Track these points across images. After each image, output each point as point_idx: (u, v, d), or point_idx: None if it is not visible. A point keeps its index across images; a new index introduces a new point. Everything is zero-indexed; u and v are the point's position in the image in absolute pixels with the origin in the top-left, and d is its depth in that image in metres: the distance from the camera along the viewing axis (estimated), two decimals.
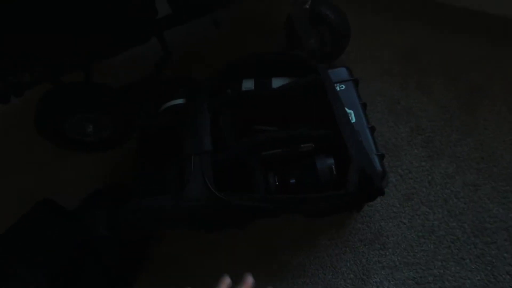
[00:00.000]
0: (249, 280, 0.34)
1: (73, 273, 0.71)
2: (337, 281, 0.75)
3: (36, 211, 0.82)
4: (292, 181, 0.58)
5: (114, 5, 0.66)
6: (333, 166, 0.57)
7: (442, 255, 0.74)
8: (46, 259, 0.70)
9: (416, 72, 1.01)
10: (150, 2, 0.73)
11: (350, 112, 0.73)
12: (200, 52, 1.12)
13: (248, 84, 0.70)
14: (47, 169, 1.04)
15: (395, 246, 0.77)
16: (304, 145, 0.60)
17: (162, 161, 0.65)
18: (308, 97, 0.66)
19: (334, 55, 0.99)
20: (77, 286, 0.71)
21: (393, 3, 1.14)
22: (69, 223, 0.81)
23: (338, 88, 0.78)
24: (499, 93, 0.93)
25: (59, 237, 0.77)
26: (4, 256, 0.71)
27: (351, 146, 0.56)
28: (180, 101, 0.69)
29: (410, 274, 0.73)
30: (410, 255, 0.75)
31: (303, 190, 0.56)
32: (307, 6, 0.83)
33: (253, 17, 1.20)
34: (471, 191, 0.80)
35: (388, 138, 0.92)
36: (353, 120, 0.71)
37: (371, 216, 0.81)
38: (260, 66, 0.74)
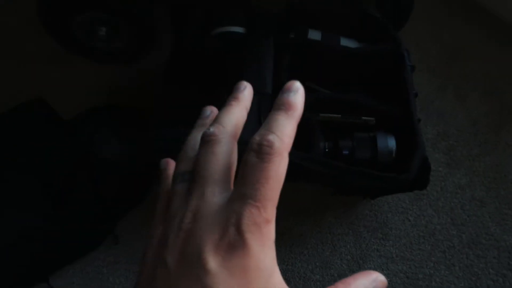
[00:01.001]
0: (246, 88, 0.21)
1: (66, 188, 0.63)
2: (333, 259, 0.76)
3: (27, 110, 0.70)
4: (345, 152, 0.53)
5: None
6: (394, 149, 0.53)
7: (436, 258, 0.77)
8: (38, 166, 0.61)
9: (458, 76, 0.98)
10: None
11: None
12: None
13: (314, 35, 0.62)
14: (47, 68, 0.89)
15: (396, 239, 0.78)
16: (366, 118, 0.55)
17: (201, 90, 0.56)
18: (380, 67, 0.60)
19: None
20: (67, 204, 0.64)
21: None
22: (65, 134, 0.71)
23: None
24: None
25: (53, 146, 0.67)
26: None
27: (419, 133, 0.52)
28: (239, 29, 0.59)
29: (403, 267, 0.76)
30: (408, 250, 0.77)
31: (353, 164, 0.52)
32: None
33: None
34: (477, 206, 0.83)
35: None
36: None
37: (380, 206, 0.81)
38: (329, 18, 0.65)
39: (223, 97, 0.45)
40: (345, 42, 0.63)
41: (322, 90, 0.62)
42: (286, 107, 0.17)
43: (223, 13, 0.61)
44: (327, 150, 0.54)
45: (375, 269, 0.75)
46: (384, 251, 0.77)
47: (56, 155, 0.66)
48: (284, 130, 0.16)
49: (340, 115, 0.55)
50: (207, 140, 0.17)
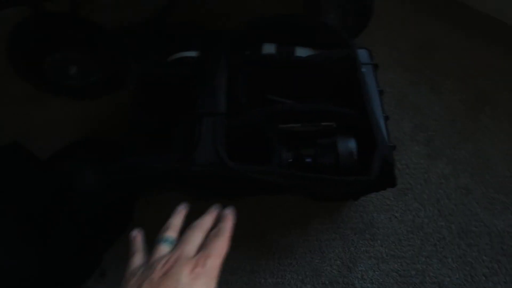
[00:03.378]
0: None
1: (44, 225, 0.64)
2: (323, 266, 0.75)
3: (3, 154, 0.72)
4: (308, 160, 0.54)
5: None
6: (355, 150, 0.53)
7: (427, 252, 0.76)
8: (18, 207, 0.62)
9: (429, 69, 0.99)
10: None
11: None
12: (211, 9, 1.02)
13: (269, 49, 0.63)
14: (20, 111, 0.92)
15: (384, 238, 0.77)
16: (325, 123, 0.56)
17: (163, 116, 0.58)
18: (334, 72, 0.61)
19: (354, 31, 0.93)
20: (48, 240, 0.65)
21: None
22: (42, 172, 0.72)
23: None
24: (503, 103, 0.94)
25: (30, 185, 0.68)
26: None
27: (377, 132, 0.53)
28: (192, 53, 0.61)
29: (395, 266, 0.75)
30: (398, 248, 0.76)
31: (318, 171, 0.53)
32: None
33: None
34: (463, 194, 0.82)
35: (391, 131, 0.89)
36: None
37: (365, 206, 0.81)
38: (283, 31, 0.67)
39: (182, 122, 0.47)
40: (300, 52, 0.65)
41: (283, 101, 0.63)
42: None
43: (176, 39, 0.63)
44: (290, 160, 0.54)
45: (366, 271, 0.74)
46: (374, 251, 0.76)
47: (34, 195, 0.67)
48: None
49: (299, 124, 0.56)
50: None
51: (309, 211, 0.80)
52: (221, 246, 0.29)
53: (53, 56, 0.78)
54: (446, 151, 0.88)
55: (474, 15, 1.07)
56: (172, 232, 0.30)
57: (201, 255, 0.27)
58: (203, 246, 0.29)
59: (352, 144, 0.53)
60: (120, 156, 0.56)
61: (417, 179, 0.84)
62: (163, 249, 0.29)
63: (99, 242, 0.72)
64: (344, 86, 0.61)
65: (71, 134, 0.85)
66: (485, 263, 0.75)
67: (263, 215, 0.79)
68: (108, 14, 0.88)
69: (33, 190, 0.68)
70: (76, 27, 0.76)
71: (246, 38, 0.64)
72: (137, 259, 0.29)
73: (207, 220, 0.31)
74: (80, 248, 0.70)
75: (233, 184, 0.54)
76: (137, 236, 0.32)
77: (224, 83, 0.55)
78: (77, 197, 0.67)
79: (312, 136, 0.57)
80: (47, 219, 0.66)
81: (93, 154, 0.77)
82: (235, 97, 0.56)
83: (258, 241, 0.77)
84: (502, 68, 0.98)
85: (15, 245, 0.61)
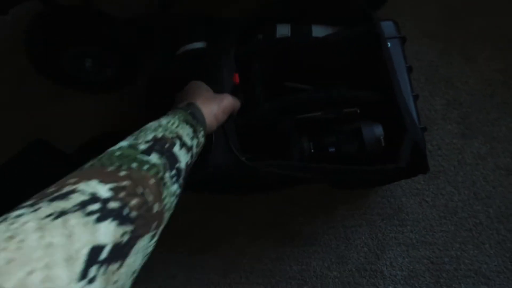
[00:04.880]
0: None
1: None
2: (349, 253, 0.73)
3: (28, 152, 0.74)
4: (331, 149, 0.50)
5: None
6: (382, 137, 0.49)
7: (462, 238, 0.71)
8: None
9: (462, 37, 0.90)
10: None
11: None
12: None
13: (283, 30, 0.58)
14: (41, 109, 0.94)
15: (414, 224, 0.73)
16: (348, 109, 0.51)
17: None
18: (355, 51, 0.55)
19: (377, 2, 0.85)
20: None
21: None
22: (67, 167, 0.73)
23: None
24: None
25: (57, 180, 0.70)
26: None
27: (406, 115, 0.48)
28: (199, 44, 0.57)
29: (426, 253, 0.71)
30: (429, 234, 0.72)
31: (342, 160, 0.49)
32: None
33: None
34: (502, 176, 0.75)
35: (421, 110, 0.84)
36: None
37: (393, 191, 0.77)
38: (298, 9, 0.61)
39: None
40: (317, 31, 0.59)
41: (304, 87, 0.59)
42: None
43: (184, 31, 0.59)
44: (312, 151, 0.51)
45: (394, 258, 0.71)
46: (403, 238, 0.73)
47: None
48: None
49: (319, 113, 0.52)
50: None
51: (332, 197, 0.77)
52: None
53: (70, 50, 0.78)
54: (483, 128, 0.80)
55: None
56: None
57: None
58: None
59: (378, 130, 0.49)
60: None
61: (450, 160, 0.78)
62: None
63: None
64: (368, 65, 0.55)
65: (93, 129, 0.86)
66: None
67: (286, 202, 0.77)
68: (116, 6, 0.85)
69: None
70: (91, 20, 0.75)
71: (256, 22, 0.59)
72: None
73: None
74: None
75: (258, 182, 0.52)
76: None
77: (230, 80, 0.50)
78: None
79: (335, 123, 0.53)
80: None
81: None
82: (250, 88, 0.53)
83: (282, 229, 0.75)
84: None
85: None
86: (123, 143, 0.28)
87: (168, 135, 0.31)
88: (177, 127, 0.33)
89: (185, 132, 0.33)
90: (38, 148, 0.75)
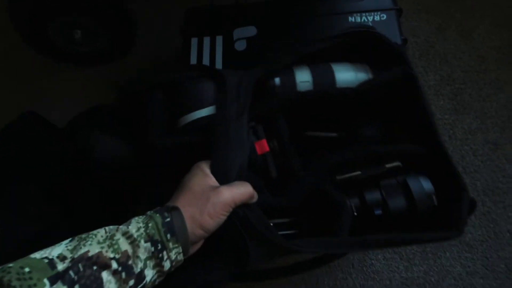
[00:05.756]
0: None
1: (69, 193, 0.66)
2: None
3: (19, 124, 0.73)
4: (378, 212, 0.42)
5: None
6: (433, 194, 0.41)
7: None
8: (39, 174, 0.64)
9: (459, 14, 0.89)
10: None
11: None
12: None
13: (303, 76, 0.49)
14: (32, 83, 0.92)
15: None
16: (390, 164, 0.44)
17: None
18: (387, 98, 0.48)
19: None
20: (73, 208, 0.67)
21: None
22: (61, 140, 0.73)
23: (378, 18, 0.67)
24: None
25: (51, 154, 0.70)
26: None
27: (459, 172, 0.41)
28: (204, 112, 0.44)
29: None
30: None
31: (389, 221, 0.41)
32: None
33: None
34: (491, 150, 0.77)
35: None
36: None
37: None
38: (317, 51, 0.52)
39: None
40: (341, 75, 0.50)
41: (329, 135, 0.51)
42: None
43: (185, 96, 0.47)
44: (355, 214, 0.42)
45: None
46: None
47: (55, 163, 0.69)
48: None
49: (359, 172, 0.44)
50: None
51: None
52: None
53: (57, 20, 0.76)
54: (475, 104, 0.81)
55: None
56: None
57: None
58: None
59: (427, 185, 0.41)
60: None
61: (441, 135, 0.79)
62: None
63: (121, 207, 0.75)
64: (401, 112, 0.49)
65: (85, 103, 0.85)
66: (511, 220, 0.72)
67: None
68: None
69: (54, 159, 0.69)
70: None
71: (273, 71, 0.49)
72: None
73: None
74: (104, 215, 0.73)
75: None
76: None
77: (248, 150, 0.41)
78: (99, 165, 0.68)
79: (377, 179, 0.44)
80: (69, 187, 0.68)
81: (110, 121, 0.77)
82: (282, 157, 0.44)
83: None
84: None
85: (39, 213, 0.64)
86: (42, 254, 0.25)
87: (108, 254, 0.26)
88: (131, 243, 0.28)
89: (140, 251, 0.28)
90: (29, 119, 0.74)
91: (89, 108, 0.82)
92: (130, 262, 0.27)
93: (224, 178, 0.37)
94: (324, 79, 0.49)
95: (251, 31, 0.67)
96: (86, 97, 0.88)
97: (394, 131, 0.49)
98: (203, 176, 0.35)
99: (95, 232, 0.29)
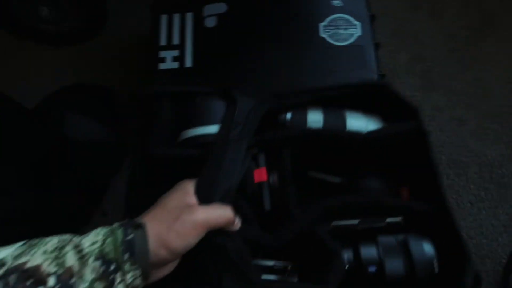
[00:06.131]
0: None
1: (44, 174, 0.66)
2: None
3: None
4: (372, 269, 0.39)
5: None
6: (435, 260, 0.38)
7: None
8: (14, 157, 0.63)
9: None
10: None
11: (357, 24, 0.64)
12: None
13: (315, 117, 0.48)
14: (5, 62, 0.89)
15: None
16: (391, 219, 0.42)
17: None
18: (394, 150, 0.48)
19: None
20: (46, 193, 0.67)
21: None
22: (33, 121, 0.72)
23: None
24: (510, 26, 0.87)
25: (24, 135, 0.69)
26: None
27: (464, 238, 0.38)
28: (208, 129, 0.43)
29: None
30: None
31: (383, 282, 0.38)
32: None
33: None
34: (456, 125, 0.80)
35: (385, 64, 0.86)
36: (359, 34, 0.62)
37: None
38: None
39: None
40: (352, 122, 0.49)
41: (329, 179, 0.50)
42: None
43: (193, 111, 0.46)
44: (347, 267, 0.40)
45: None
46: None
47: (28, 144, 0.68)
48: None
49: (357, 222, 0.42)
50: None
51: None
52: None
53: None
54: (443, 82, 0.84)
55: None
56: None
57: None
58: None
59: (429, 249, 0.38)
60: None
61: None
62: None
63: (97, 185, 0.75)
64: (406, 164, 0.48)
65: (55, 83, 0.83)
66: (472, 191, 0.76)
67: None
68: None
69: (27, 140, 0.68)
70: None
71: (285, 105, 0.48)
72: None
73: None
74: (78, 194, 0.73)
75: None
76: None
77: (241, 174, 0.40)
78: (72, 145, 0.68)
79: (373, 233, 0.42)
80: (43, 167, 0.68)
81: (83, 101, 0.76)
82: (280, 189, 0.43)
83: None
84: None
85: (15, 192, 0.63)
86: None
87: (50, 268, 0.23)
88: (80, 258, 0.24)
89: (87, 270, 0.24)
90: None
91: (61, 87, 0.81)
92: (72, 281, 0.23)
93: (206, 199, 0.34)
94: (335, 122, 0.48)
95: (221, 7, 0.67)
96: (59, 77, 0.86)
97: (392, 177, 0.47)
98: (182, 194, 0.33)
99: (47, 239, 0.26)
